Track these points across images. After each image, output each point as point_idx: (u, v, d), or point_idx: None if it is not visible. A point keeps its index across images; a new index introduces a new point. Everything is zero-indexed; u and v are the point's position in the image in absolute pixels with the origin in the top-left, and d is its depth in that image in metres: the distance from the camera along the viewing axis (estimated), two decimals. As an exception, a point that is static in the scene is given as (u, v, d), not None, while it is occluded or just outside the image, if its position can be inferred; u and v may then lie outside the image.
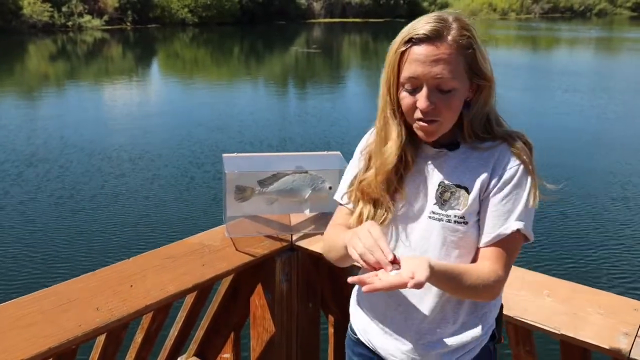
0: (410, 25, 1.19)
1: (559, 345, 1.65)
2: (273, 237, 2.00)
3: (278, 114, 12.86)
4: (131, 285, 1.63)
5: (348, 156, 1.53)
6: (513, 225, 1.22)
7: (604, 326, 1.55)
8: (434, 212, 1.26)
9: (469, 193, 1.24)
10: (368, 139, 1.38)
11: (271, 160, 2.23)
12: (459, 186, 1.25)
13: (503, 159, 1.24)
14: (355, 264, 1.18)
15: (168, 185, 7.73)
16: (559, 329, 1.56)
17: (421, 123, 1.20)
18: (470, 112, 1.24)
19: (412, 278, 1.03)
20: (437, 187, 1.27)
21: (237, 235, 1.97)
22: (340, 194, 1.41)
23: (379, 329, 1.38)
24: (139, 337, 1.85)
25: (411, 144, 1.27)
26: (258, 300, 2.08)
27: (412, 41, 1.17)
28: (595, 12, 70.07)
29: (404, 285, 1.03)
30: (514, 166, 1.23)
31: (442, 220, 1.25)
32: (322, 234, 1.59)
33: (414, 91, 1.19)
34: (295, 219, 2.11)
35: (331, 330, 2.21)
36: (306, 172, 1.99)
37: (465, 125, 1.25)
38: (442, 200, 1.26)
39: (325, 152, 2.25)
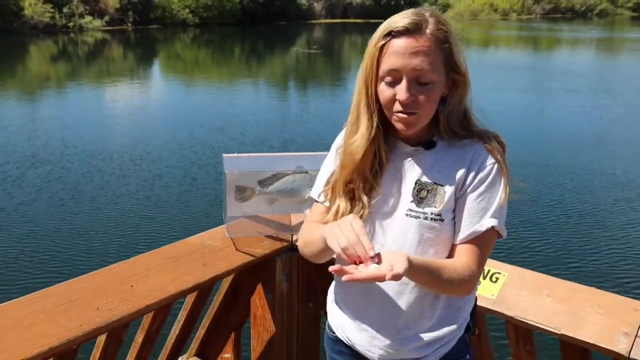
0: (388, 20, 1.22)
1: (559, 345, 1.65)
2: (273, 237, 2.00)
3: (279, 115, 12.87)
4: (132, 285, 1.63)
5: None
6: (488, 222, 1.25)
7: (604, 326, 1.55)
8: (410, 210, 1.28)
9: (445, 191, 1.27)
10: (343, 137, 1.39)
11: (271, 160, 2.23)
12: (435, 184, 1.28)
13: (479, 157, 1.27)
14: (333, 256, 1.20)
15: (169, 186, 7.73)
16: (559, 328, 1.57)
17: (400, 115, 1.22)
18: (447, 108, 1.27)
19: (391, 270, 1.05)
20: (413, 185, 1.29)
21: (237, 235, 1.97)
22: (317, 192, 1.42)
23: (356, 325, 1.39)
24: (139, 337, 1.85)
25: (386, 141, 1.30)
26: (258, 300, 2.08)
27: (391, 34, 1.19)
28: (596, 12, 69.97)
29: (383, 278, 1.05)
30: (489, 165, 1.26)
31: (419, 218, 1.27)
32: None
33: (393, 84, 1.21)
34: (295, 219, 2.11)
35: (332, 330, 2.21)
36: (306, 172, 1.99)
37: (441, 121, 1.28)
38: (419, 198, 1.28)
39: (325, 153, 2.24)
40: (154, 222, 6.44)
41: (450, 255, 1.30)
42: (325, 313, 1.55)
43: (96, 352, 1.68)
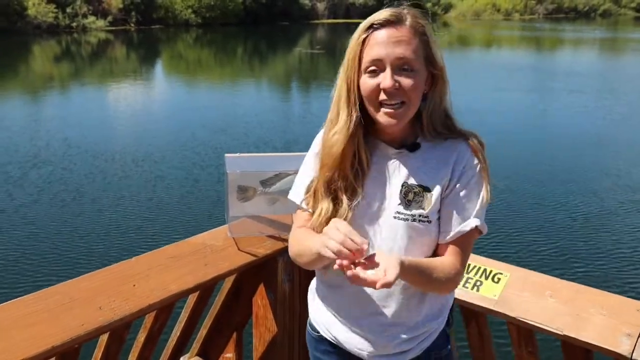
0: (369, 17, 1.25)
1: (561, 346, 1.65)
2: (275, 237, 2.00)
3: (282, 115, 12.87)
4: (134, 285, 1.63)
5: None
6: (472, 222, 1.28)
7: (607, 327, 1.55)
8: (399, 213, 1.30)
9: (432, 192, 1.29)
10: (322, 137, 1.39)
11: (273, 160, 2.23)
12: (422, 186, 1.29)
13: (462, 158, 1.29)
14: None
15: (171, 186, 7.74)
16: (561, 329, 1.56)
17: (387, 109, 1.23)
18: (429, 106, 1.28)
19: (384, 276, 1.08)
20: (400, 187, 1.30)
21: (239, 235, 1.97)
22: (299, 198, 1.41)
23: (343, 324, 1.41)
24: (141, 337, 1.85)
25: (368, 142, 1.31)
26: (260, 300, 2.08)
27: (373, 27, 1.22)
28: (599, 12, 69.85)
29: (373, 284, 1.08)
30: (472, 166, 1.29)
31: (408, 220, 1.29)
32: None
33: (376, 73, 1.22)
34: (297, 219, 2.11)
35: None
36: (309, 172, 1.99)
37: (424, 121, 1.29)
38: (407, 200, 1.30)
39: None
40: (156, 222, 6.44)
41: (435, 252, 1.33)
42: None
43: (98, 351, 1.68)
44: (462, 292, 1.77)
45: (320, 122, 1.41)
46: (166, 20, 41.50)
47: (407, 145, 1.31)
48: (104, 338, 1.64)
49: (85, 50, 29.25)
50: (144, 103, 14.64)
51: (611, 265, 5.41)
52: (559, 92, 15.79)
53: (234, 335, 2.18)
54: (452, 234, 1.29)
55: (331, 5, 52.53)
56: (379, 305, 1.36)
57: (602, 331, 1.54)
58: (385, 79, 1.20)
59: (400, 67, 1.21)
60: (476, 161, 1.29)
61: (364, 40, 1.23)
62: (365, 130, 1.29)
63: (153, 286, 1.65)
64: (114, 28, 38.36)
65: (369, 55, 1.22)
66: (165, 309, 1.79)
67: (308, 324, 1.54)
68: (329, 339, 1.46)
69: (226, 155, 2.00)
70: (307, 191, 1.38)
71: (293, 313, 2.05)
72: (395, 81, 1.20)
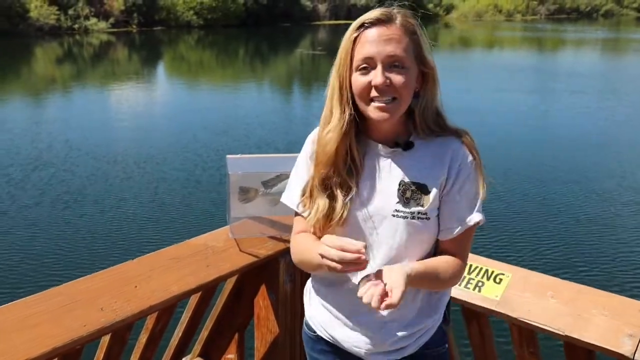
0: (361, 16, 1.27)
1: (563, 347, 1.64)
2: (277, 238, 2.00)
3: (283, 117, 12.88)
4: (136, 286, 1.63)
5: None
6: (475, 217, 1.31)
7: (609, 328, 1.54)
8: (397, 211, 1.31)
9: (429, 190, 1.30)
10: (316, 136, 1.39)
11: (275, 161, 2.23)
12: (419, 184, 1.31)
13: (457, 156, 1.31)
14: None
15: (173, 187, 7.75)
16: (563, 330, 1.56)
17: (378, 104, 1.24)
18: (421, 104, 1.30)
19: (390, 297, 1.15)
20: (397, 186, 1.32)
21: (240, 236, 1.97)
22: (295, 202, 1.42)
23: (342, 324, 1.42)
24: (143, 338, 1.86)
25: (361, 141, 1.32)
26: (262, 301, 2.08)
27: (364, 26, 1.25)
28: (601, 13, 69.78)
29: (377, 307, 1.15)
30: (468, 162, 1.31)
31: (407, 218, 1.31)
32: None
33: (367, 71, 1.24)
34: (299, 220, 2.11)
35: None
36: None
37: (417, 119, 1.31)
38: (405, 198, 1.31)
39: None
40: (158, 223, 6.45)
41: (436, 249, 1.36)
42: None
43: (100, 352, 1.68)
44: (463, 293, 1.77)
45: (321, 123, 1.41)
46: (168, 22, 41.55)
47: (401, 144, 1.32)
48: (105, 339, 1.64)
49: (87, 52, 29.30)
50: (146, 105, 14.66)
51: (613, 265, 5.40)
52: (561, 93, 15.77)
53: (236, 336, 2.18)
54: (455, 230, 1.32)
55: (332, 7, 52.53)
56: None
57: (604, 332, 1.53)
58: (377, 76, 1.23)
59: (391, 64, 1.23)
60: (471, 158, 1.31)
61: (355, 39, 1.25)
62: (359, 129, 1.31)
63: (155, 287, 1.65)
64: (115, 30, 38.42)
65: (360, 53, 1.24)
66: (167, 310, 1.79)
67: (304, 324, 1.55)
68: (325, 338, 1.47)
69: (228, 156, 2.00)
70: (303, 194, 1.38)
71: (295, 314, 2.05)
72: (387, 78, 1.22)
